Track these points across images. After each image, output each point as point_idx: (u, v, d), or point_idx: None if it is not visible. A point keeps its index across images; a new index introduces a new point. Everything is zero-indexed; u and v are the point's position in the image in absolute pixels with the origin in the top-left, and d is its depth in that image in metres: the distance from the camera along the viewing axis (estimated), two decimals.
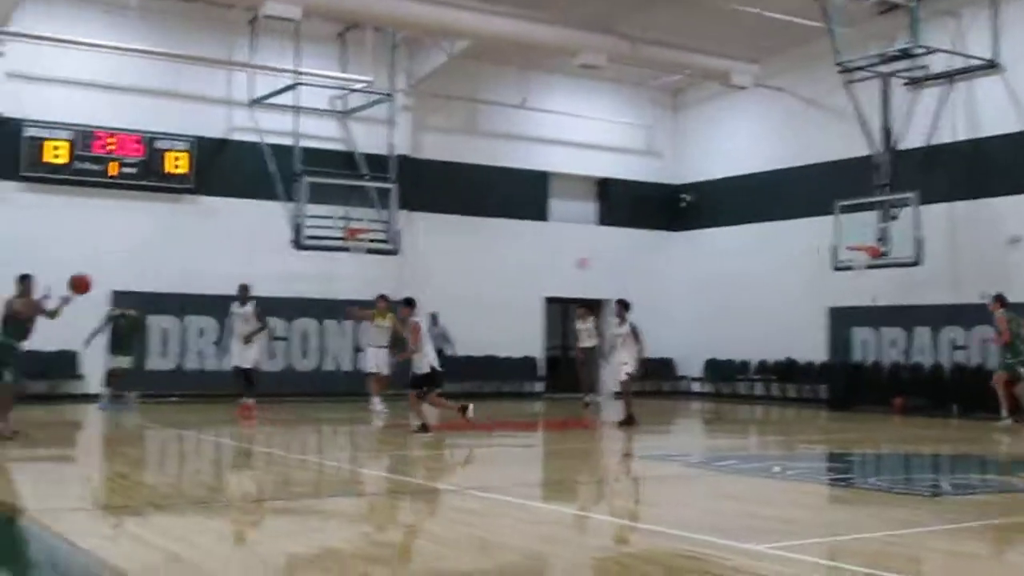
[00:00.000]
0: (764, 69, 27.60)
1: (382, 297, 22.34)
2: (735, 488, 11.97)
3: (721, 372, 30.44)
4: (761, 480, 12.41)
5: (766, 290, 28.46)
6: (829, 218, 25.22)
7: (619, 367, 19.85)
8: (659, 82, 31.18)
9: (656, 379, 31.26)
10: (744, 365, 29.64)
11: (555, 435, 19.99)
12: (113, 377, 22.53)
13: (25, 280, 15.99)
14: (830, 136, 27.37)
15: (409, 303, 17.97)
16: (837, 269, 25.12)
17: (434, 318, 24.50)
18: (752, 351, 29.27)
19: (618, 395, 20.77)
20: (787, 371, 28.45)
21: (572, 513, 10.26)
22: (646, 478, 13.25)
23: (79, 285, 15.96)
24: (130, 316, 23.00)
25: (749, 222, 29.88)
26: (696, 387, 31.21)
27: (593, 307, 26.83)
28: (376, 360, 22.06)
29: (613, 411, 21.97)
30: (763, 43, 27.35)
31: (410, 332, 17.51)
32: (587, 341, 25.37)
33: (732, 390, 30.13)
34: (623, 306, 20.00)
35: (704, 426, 23.20)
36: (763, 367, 29.27)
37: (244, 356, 21.35)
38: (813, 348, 27.43)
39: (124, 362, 22.74)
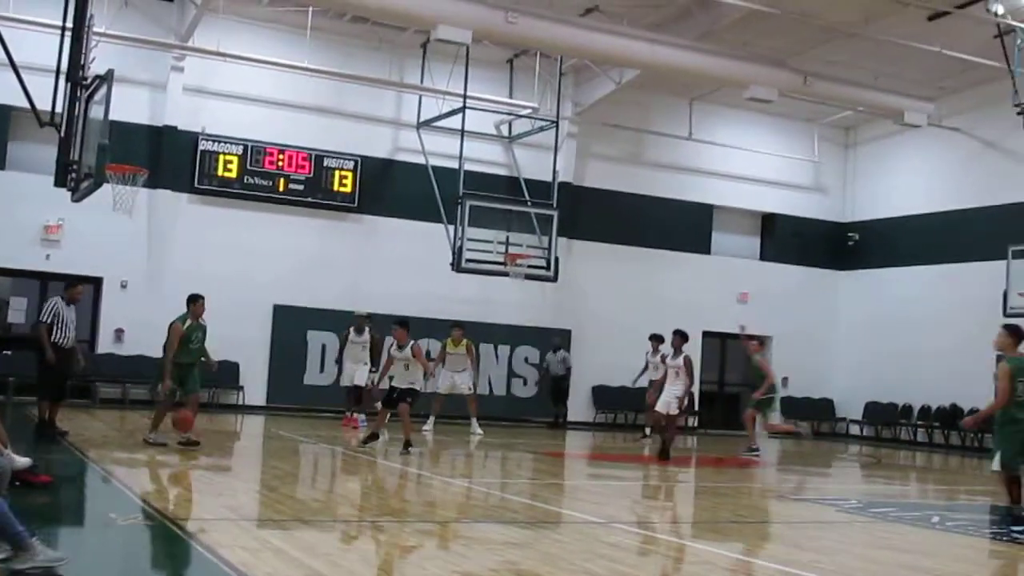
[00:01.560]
0: (940, 108, 26.95)
1: (458, 326, 22.94)
2: (893, 537, 11.54)
3: (882, 415, 29.65)
4: (920, 530, 11.94)
5: (933, 334, 27.67)
6: (1002, 263, 24.40)
7: (671, 399, 19.02)
8: (830, 118, 30.64)
9: (815, 419, 30.71)
10: (907, 409, 28.83)
11: (709, 472, 19.63)
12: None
13: (197, 301, 16.33)
14: (1005, 179, 26.61)
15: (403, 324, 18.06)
16: (1008, 315, 24.24)
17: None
18: (916, 395, 28.45)
19: (661, 427, 19.92)
20: (951, 418, 27.54)
21: (724, 554, 9.98)
22: (802, 522, 12.86)
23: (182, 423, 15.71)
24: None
25: (918, 263, 29.14)
26: (855, 430, 30.45)
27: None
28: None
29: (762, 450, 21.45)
30: (940, 82, 26.77)
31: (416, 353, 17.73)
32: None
33: (893, 435, 29.32)
34: (682, 338, 19.43)
35: (862, 470, 22.56)
36: (926, 413, 28.44)
37: (359, 375, 22.10)
38: (980, 395, 26.45)
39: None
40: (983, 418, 12.70)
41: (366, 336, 22.19)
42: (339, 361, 23.07)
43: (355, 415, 22.07)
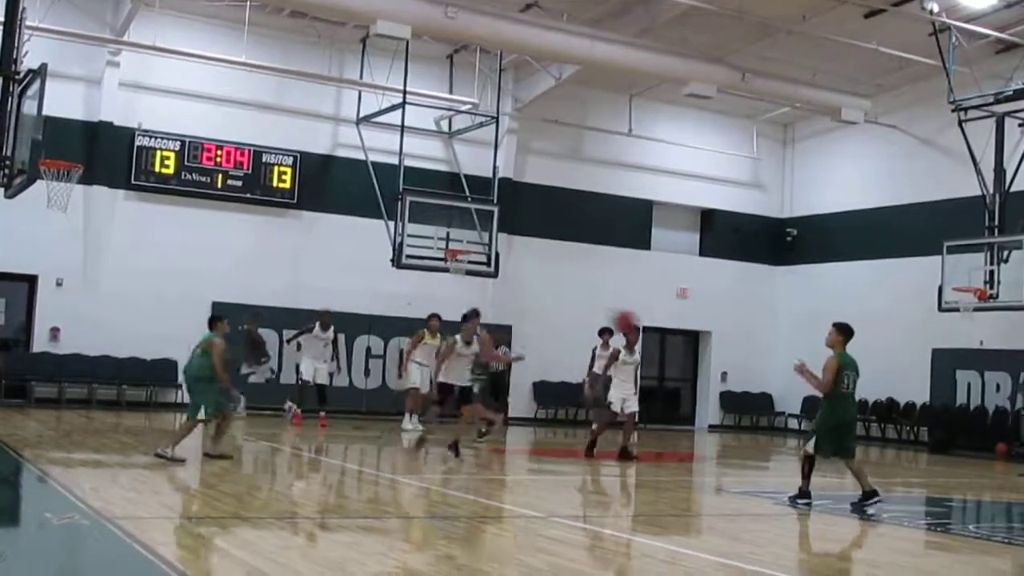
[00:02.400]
0: (876, 106, 27.22)
1: (435, 316, 21.88)
2: (828, 529, 11.66)
3: None
4: (855, 522, 12.07)
5: (869, 328, 27.49)
6: (937, 258, 24.66)
7: (629, 397, 18.37)
8: (769, 115, 30.86)
9: (753, 414, 30.95)
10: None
11: (650, 467, 19.69)
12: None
13: (223, 320, 15.31)
14: (941, 175, 26.89)
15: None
16: (943, 310, 24.55)
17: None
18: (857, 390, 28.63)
19: (620, 424, 19.29)
20: (887, 411, 27.83)
21: (663, 547, 10.02)
22: (739, 515, 12.95)
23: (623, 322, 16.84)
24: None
25: (855, 259, 29.40)
26: (793, 423, 30.67)
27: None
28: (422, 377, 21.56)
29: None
30: (876, 80, 27.04)
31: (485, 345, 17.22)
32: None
33: None
34: (637, 333, 18.77)
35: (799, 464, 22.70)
36: (863, 407, 28.69)
37: (320, 374, 21.96)
38: (915, 389, 26.86)
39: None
40: (810, 375, 13.25)
41: (331, 334, 22.07)
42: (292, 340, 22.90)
43: (321, 414, 21.80)
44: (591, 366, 21.57)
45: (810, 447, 13.26)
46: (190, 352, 14.96)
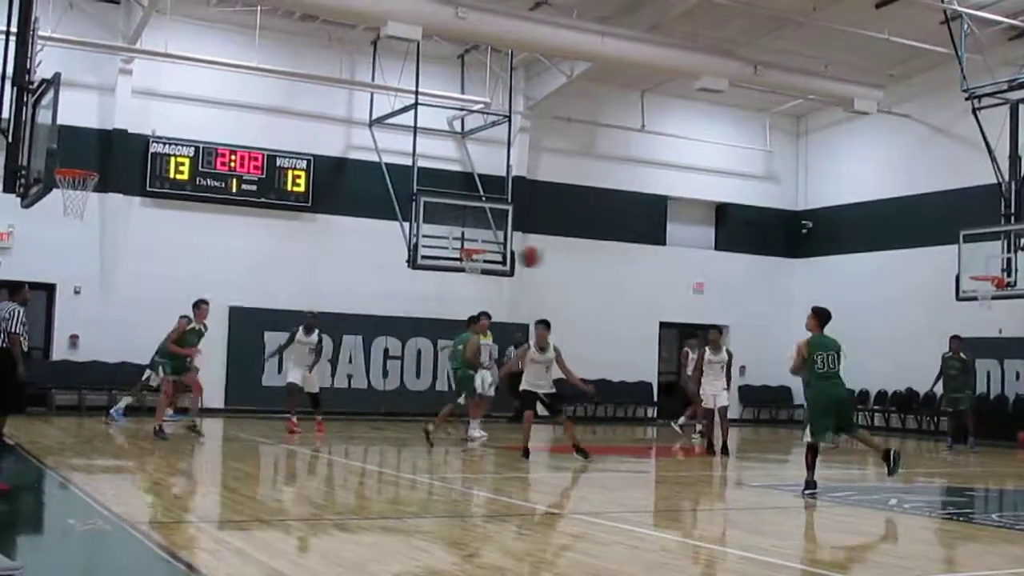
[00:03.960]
0: (889, 95, 27.16)
1: (485, 314, 21.08)
2: (851, 521, 11.63)
3: None
4: (878, 513, 12.04)
5: (888, 319, 27.86)
6: (953, 247, 24.58)
7: (720, 392, 19.26)
8: (781, 107, 30.81)
9: (772, 407, 30.89)
10: (864, 395, 29.01)
11: (667, 462, 19.69)
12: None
13: (200, 306, 18.89)
14: (956, 164, 26.81)
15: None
16: (960, 299, 24.45)
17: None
18: (872, 381, 28.62)
19: (707, 422, 20.23)
20: (907, 402, 27.77)
21: (685, 542, 10.01)
22: (761, 508, 12.93)
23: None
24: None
25: (871, 250, 29.35)
26: None
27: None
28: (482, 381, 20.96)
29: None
30: (889, 69, 26.98)
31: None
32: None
33: None
34: (719, 332, 20.15)
35: (820, 456, 22.65)
36: (883, 397, 28.64)
37: (309, 382, 21.10)
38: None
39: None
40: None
41: (315, 337, 21.02)
42: (273, 355, 22.81)
43: (293, 418, 20.94)
44: (684, 368, 23.41)
45: (808, 436, 13.53)
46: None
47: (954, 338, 22.84)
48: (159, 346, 19.82)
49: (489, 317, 21.06)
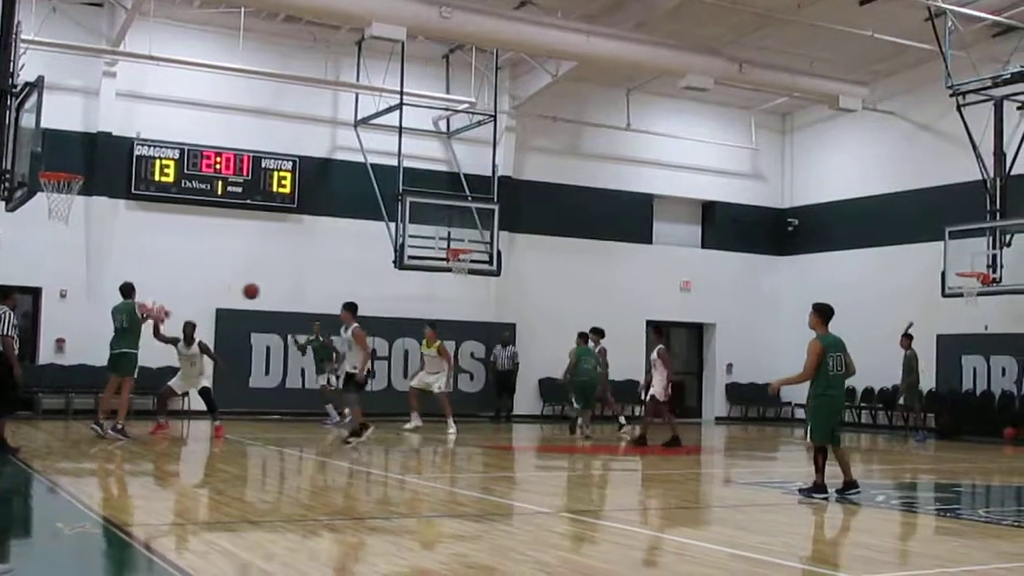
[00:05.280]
0: (874, 93, 27.24)
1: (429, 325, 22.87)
2: (839, 517, 11.66)
3: None
4: (865, 510, 12.07)
5: (874, 316, 27.83)
6: (939, 244, 24.68)
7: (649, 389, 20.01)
8: (767, 105, 30.86)
9: (760, 405, 30.92)
10: (850, 392, 29.02)
11: (658, 459, 19.71)
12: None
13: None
14: (941, 161, 26.88)
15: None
16: (946, 296, 24.54)
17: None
18: (859, 378, 28.35)
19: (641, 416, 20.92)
20: (894, 399, 27.80)
21: (673, 539, 10.03)
22: (749, 505, 12.95)
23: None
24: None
25: (857, 247, 29.41)
26: (801, 414, 30.59)
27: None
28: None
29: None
30: (873, 66, 27.08)
31: None
32: None
33: None
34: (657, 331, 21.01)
35: (807, 453, 22.71)
36: (869, 395, 28.69)
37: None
38: (921, 376, 26.80)
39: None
40: (786, 383, 13.78)
41: (195, 348, 20.53)
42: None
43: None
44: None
45: (815, 438, 13.05)
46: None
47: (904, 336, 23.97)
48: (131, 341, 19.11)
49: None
